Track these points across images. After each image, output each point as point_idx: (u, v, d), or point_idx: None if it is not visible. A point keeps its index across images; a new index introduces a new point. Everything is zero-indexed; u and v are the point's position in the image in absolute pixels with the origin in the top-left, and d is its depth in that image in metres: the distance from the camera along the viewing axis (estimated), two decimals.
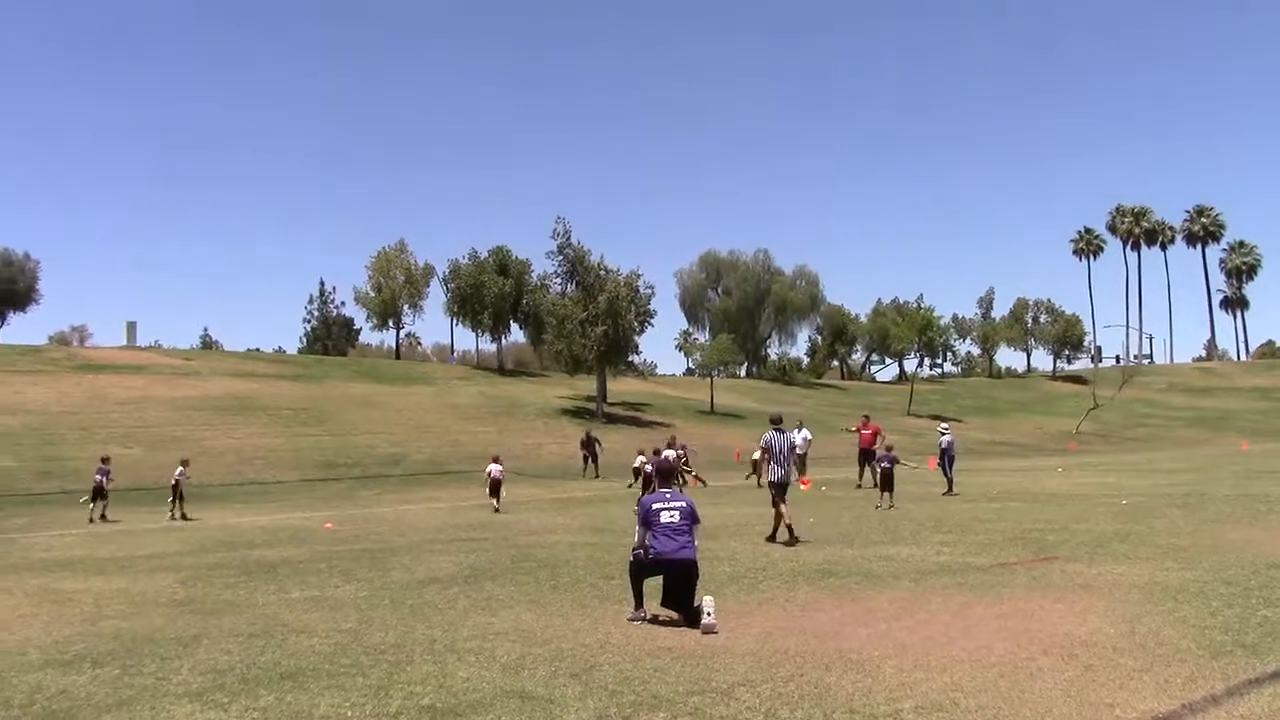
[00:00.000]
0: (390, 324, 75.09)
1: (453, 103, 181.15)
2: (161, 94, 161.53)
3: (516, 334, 70.76)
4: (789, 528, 13.37)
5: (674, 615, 8.07)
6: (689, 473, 25.58)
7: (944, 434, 22.78)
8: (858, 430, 26.00)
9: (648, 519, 8.32)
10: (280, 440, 36.83)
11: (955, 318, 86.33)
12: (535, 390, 56.01)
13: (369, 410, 44.07)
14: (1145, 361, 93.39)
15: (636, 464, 25.84)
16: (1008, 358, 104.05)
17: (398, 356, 78.00)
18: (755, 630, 7.65)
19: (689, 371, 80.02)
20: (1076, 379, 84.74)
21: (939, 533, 14.05)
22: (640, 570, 8.33)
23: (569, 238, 51.41)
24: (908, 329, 69.54)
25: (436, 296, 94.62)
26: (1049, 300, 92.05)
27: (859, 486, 24.04)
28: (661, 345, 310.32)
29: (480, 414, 46.60)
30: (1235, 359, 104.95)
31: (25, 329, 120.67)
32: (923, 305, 75.35)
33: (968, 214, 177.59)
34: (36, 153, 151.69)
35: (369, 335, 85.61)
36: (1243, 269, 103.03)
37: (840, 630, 7.58)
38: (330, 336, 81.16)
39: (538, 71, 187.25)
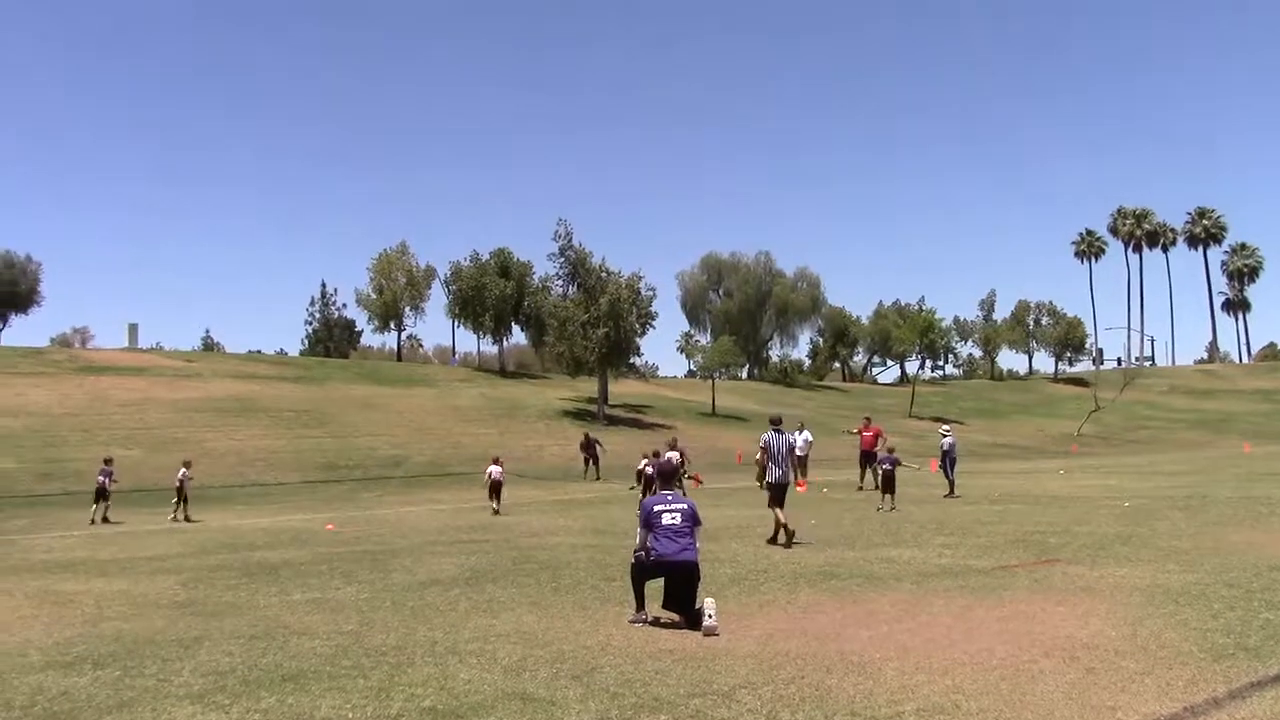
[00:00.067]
0: (392, 326, 75.21)
1: (454, 103, 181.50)
2: (162, 95, 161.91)
3: (518, 336, 70.93)
4: (786, 529, 13.38)
5: (675, 617, 8.06)
6: (685, 475, 25.55)
7: (945, 436, 22.78)
8: (859, 432, 26.00)
9: (649, 521, 8.32)
10: (281, 442, 36.85)
11: (957, 320, 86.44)
12: (536, 392, 56.02)
13: (370, 412, 44.09)
14: (1147, 364, 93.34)
15: (640, 466, 25.79)
16: (1009, 360, 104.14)
17: (399, 358, 78.03)
18: (756, 632, 7.65)
19: (690, 373, 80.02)
20: (1078, 381, 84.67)
21: (940, 535, 14.04)
22: (641, 572, 8.33)
23: (570, 239, 51.53)
24: (909, 331, 69.52)
25: (438, 298, 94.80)
26: (1050, 302, 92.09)
27: (860, 488, 24.05)
28: (663, 347, 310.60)
29: (482, 416, 46.60)
30: (1237, 361, 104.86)
31: (27, 331, 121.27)
32: (924, 307, 75.42)
33: (969, 216, 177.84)
34: (38, 154, 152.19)
35: (370, 337, 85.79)
36: (1244, 271, 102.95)
37: (842, 632, 7.58)
38: (332, 338, 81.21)
39: (539, 72, 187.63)
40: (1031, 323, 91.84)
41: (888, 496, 18.60)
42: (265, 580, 11.36)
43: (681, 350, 68.57)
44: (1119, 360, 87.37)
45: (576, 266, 51.76)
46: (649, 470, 21.53)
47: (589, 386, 54.31)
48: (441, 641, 7.59)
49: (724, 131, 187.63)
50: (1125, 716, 5.32)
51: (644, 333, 52.24)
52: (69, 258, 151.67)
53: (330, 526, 18.46)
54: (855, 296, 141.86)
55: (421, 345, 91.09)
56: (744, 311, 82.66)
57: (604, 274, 51.12)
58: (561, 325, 50.09)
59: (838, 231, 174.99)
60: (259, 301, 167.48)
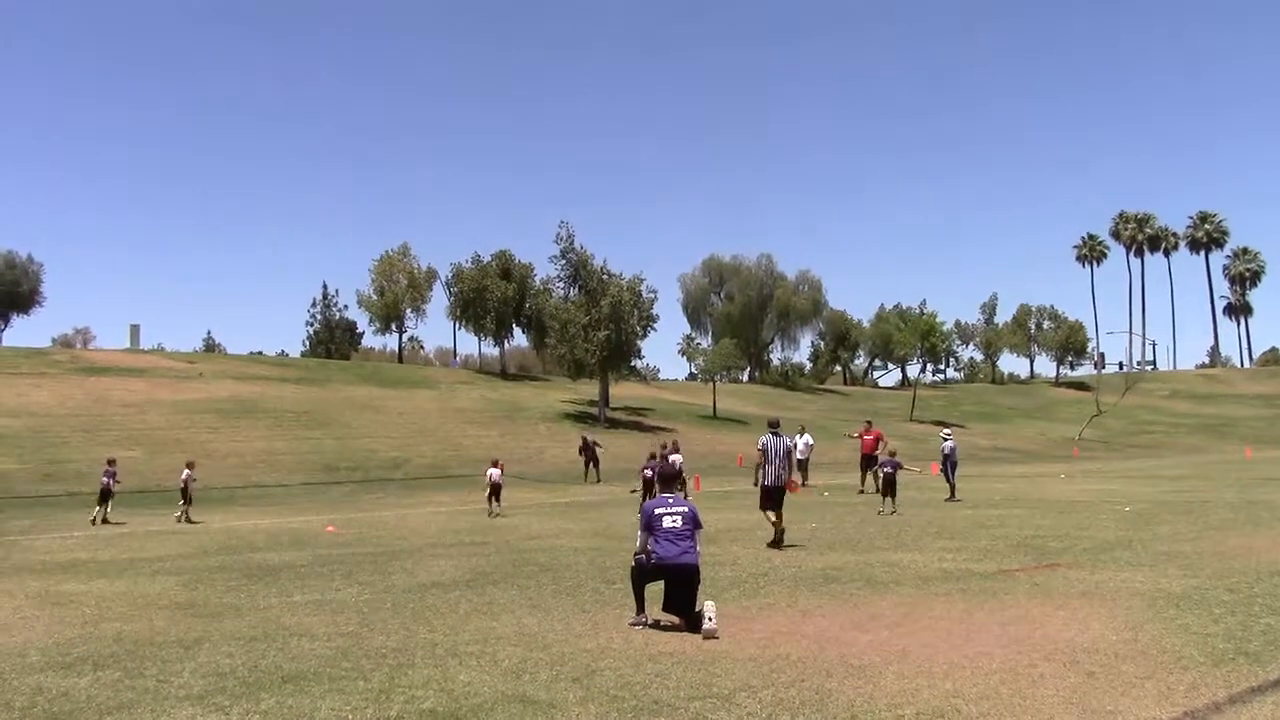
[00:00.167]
0: (393, 328, 75.28)
1: (456, 105, 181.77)
2: (162, 95, 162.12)
3: (519, 338, 70.96)
4: (775, 528, 13.46)
5: (675, 620, 8.06)
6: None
7: (946, 439, 22.78)
8: (860, 436, 26.01)
9: (650, 524, 8.32)
10: (282, 444, 36.86)
11: (958, 323, 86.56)
12: (538, 394, 56.02)
13: (371, 414, 44.11)
14: (1148, 368, 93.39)
15: (641, 466, 25.78)
16: (1010, 363, 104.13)
17: (400, 360, 78.06)
18: (757, 635, 7.65)
19: (691, 376, 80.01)
20: (1079, 385, 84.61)
21: (941, 539, 14.03)
22: (642, 575, 8.33)
23: (572, 242, 51.59)
24: (910, 334, 69.50)
25: (439, 300, 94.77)
26: (1052, 306, 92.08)
27: (861, 492, 24.05)
28: (664, 350, 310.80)
29: (483, 418, 46.61)
30: (1239, 366, 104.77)
31: (28, 331, 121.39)
32: (925, 311, 75.34)
33: (971, 219, 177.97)
34: (38, 154, 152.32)
35: (371, 339, 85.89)
36: (1246, 275, 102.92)
37: (842, 636, 7.57)
38: (333, 340, 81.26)
39: (540, 74, 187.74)
40: (1033, 326, 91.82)
41: (888, 500, 18.60)
42: (266, 582, 11.37)
43: (683, 353, 68.60)
44: (1120, 364, 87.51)
45: (578, 269, 51.80)
46: (646, 474, 21.52)
47: (590, 389, 54.32)
48: (442, 643, 7.59)
49: (726, 134, 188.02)
50: None
51: (645, 335, 52.32)
52: (70, 258, 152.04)
53: (331, 528, 18.46)
54: (857, 300, 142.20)
55: (423, 347, 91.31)
56: (745, 314, 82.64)
57: (605, 276, 51.16)
58: (563, 328, 50.11)
59: (839, 235, 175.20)
60: (260, 303, 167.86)
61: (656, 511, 8.36)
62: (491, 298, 61.02)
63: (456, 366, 76.43)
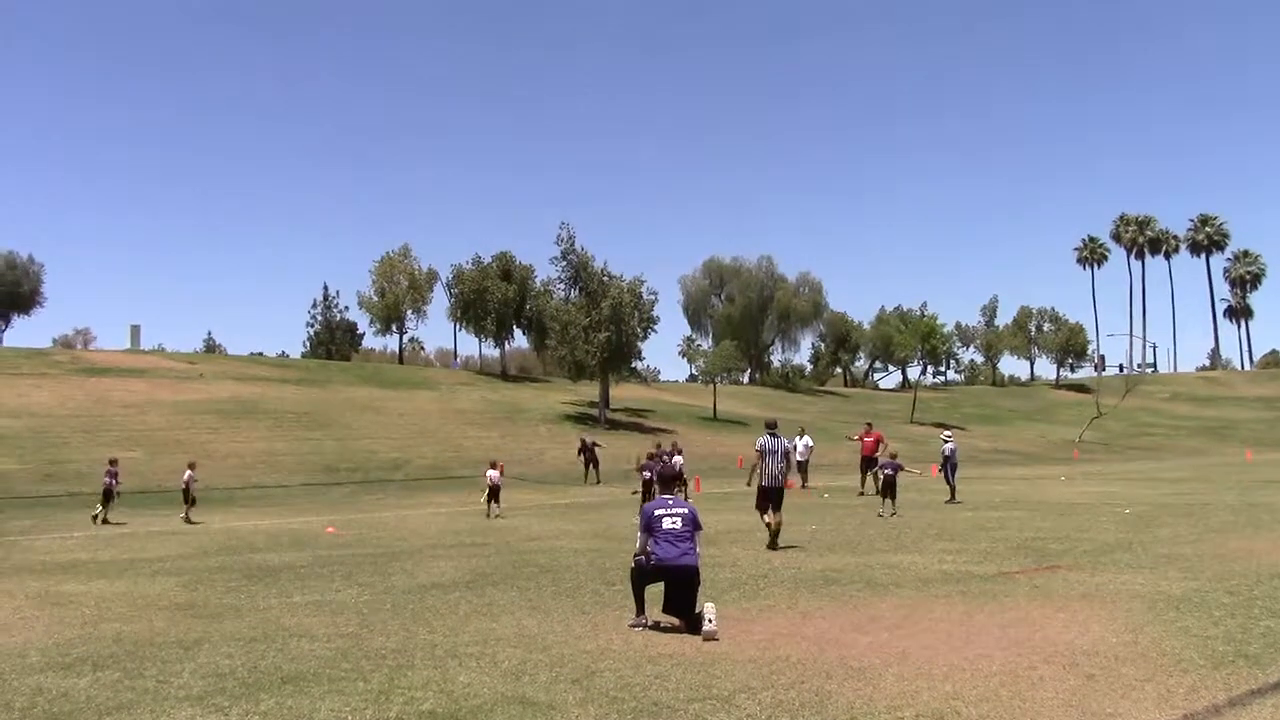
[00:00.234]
0: (393, 329, 75.26)
1: (457, 106, 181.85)
2: (162, 95, 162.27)
3: (520, 340, 70.98)
4: (769, 529, 13.50)
5: (675, 622, 8.06)
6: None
7: (946, 441, 22.80)
8: (860, 438, 26.01)
9: (650, 525, 8.32)
10: (283, 444, 36.87)
11: (958, 325, 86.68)
12: (538, 396, 56.03)
13: (372, 415, 44.11)
14: (1149, 370, 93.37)
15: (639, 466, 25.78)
16: (1011, 366, 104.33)
17: (401, 361, 78.08)
18: (756, 637, 7.65)
19: (692, 378, 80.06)
20: (1080, 387, 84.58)
21: (941, 541, 14.03)
22: (642, 576, 8.33)
23: (572, 243, 51.59)
24: (911, 336, 69.51)
25: (440, 301, 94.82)
26: (1053, 309, 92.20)
27: (861, 494, 24.05)
28: (664, 352, 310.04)
29: (483, 419, 46.62)
30: (1239, 368, 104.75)
31: (29, 332, 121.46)
32: (926, 313, 75.39)
33: (972, 222, 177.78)
34: (39, 154, 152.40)
35: (372, 340, 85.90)
36: (1247, 278, 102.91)
37: (842, 638, 7.58)
38: (333, 341, 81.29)
39: (540, 74, 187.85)
40: (1033, 329, 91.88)
41: (889, 501, 18.60)
42: (266, 582, 11.37)
43: (683, 355, 68.89)
44: (1121, 367, 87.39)
45: (579, 270, 51.81)
46: (645, 475, 21.52)
47: (590, 390, 54.33)
48: (441, 645, 7.60)
49: (726, 134, 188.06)
50: None
51: (645, 337, 52.31)
52: (71, 259, 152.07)
53: (331, 529, 18.46)
54: (857, 302, 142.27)
55: (423, 348, 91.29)
56: (746, 316, 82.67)
57: (606, 278, 51.17)
58: (563, 329, 50.12)
59: (840, 236, 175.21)
60: (261, 304, 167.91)
61: (656, 513, 8.36)
62: (492, 299, 61.04)
63: (457, 368, 76.44)
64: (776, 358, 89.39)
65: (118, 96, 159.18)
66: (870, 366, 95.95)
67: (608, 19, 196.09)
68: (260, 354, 71.84)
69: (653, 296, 52.03)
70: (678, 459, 24.69)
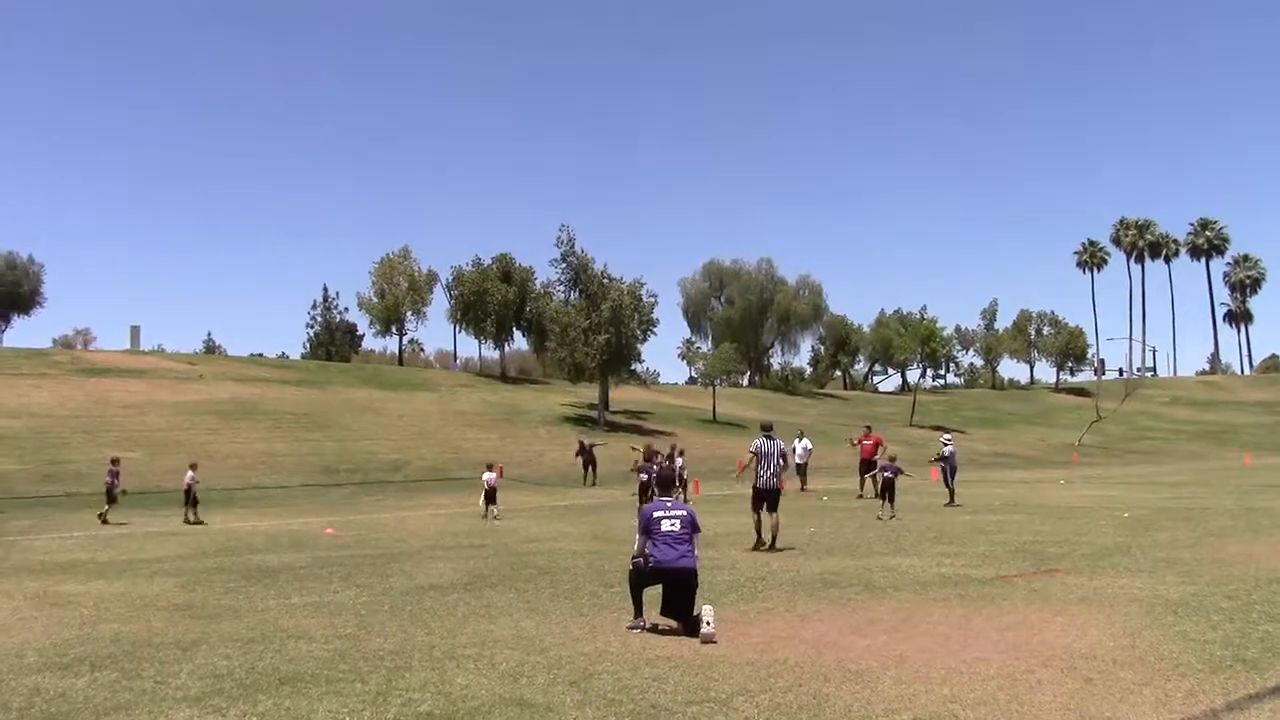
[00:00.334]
0: (393, 330, 75.25)
1: (457, 107, 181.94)
2: (162, 95, 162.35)
3: (519, 341, 70.95)
4: (758, 533, 13.54)
5: (673, 624, 8.06)
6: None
7: (946, 444, 22.79)
8: (859, 441, 26.00)
9: (648, 527, 8.32)
10: (283, 445, 36.86)
11: (958, 329, 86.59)
12: (538, 398, 56.03)
13: (371, 416, 44.11)
14: (1148, 374, 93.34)
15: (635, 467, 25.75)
16: (1010, 369, 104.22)
17: (400, 363, 78.10)
18: (754, 640, 7.65)
19: (691, 380, 79.98)
20: (1079, 391, 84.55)
21: (940, 544, 14.03)
22: (640, 579, 8.33)
23: (572, 245, 51.59)
24: (910, 340, 69.49)
25: (440, 303, 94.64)
26: (1052, 312, 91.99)
27: (860, 496, 24.06)
28: (664, 354, 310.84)
29: (483, 421, 46.62)
30: (1239, 373, 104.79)
31: (29, 332, 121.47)
32: (926, 316, 75.37)
33: (972, 225, 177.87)
34: (39, 154, 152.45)
35: (372, 341, 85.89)
36: (1247, 283, 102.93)
37: (839, 641, 7.58)
38: (333, 342, 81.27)
39: (542, 77, 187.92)
40: (1033, 332, 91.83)
41: (888, 504, 18.60)
42: (264, 583, 11.37)
43: (683, 357, 68.83)
44: (1120, 371, 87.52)
45: (578, 272, 51.82)
46: (643, 477, 21.48)
47: (590, 392, 54.32)
48: (439, 646, 7.60)
49: (726, 137, 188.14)
50: None
51: (645, 339, 52.31)
52: (71, 259, 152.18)
53: (330, 530, 18.46)
54: (857, 304, 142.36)
55: (423, 350, 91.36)
56: (746, 319, 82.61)
57: (606, 280, 51.18)
58: (563, 331, 50.12)
59: (840, 239, 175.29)
60: (261, 305, 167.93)
61: (655, 515, 8.36)
62: (492, 301, 61.05)
63: (457, 369, 76.45)
64: (776, 360, 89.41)
65: (118, 96, 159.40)
66: (870, 369, 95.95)
67: (608, 19, 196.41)
68: (260, 355, 71.89)
69: (652, 299, 52.11)
70: (679, 461, 24.67)
